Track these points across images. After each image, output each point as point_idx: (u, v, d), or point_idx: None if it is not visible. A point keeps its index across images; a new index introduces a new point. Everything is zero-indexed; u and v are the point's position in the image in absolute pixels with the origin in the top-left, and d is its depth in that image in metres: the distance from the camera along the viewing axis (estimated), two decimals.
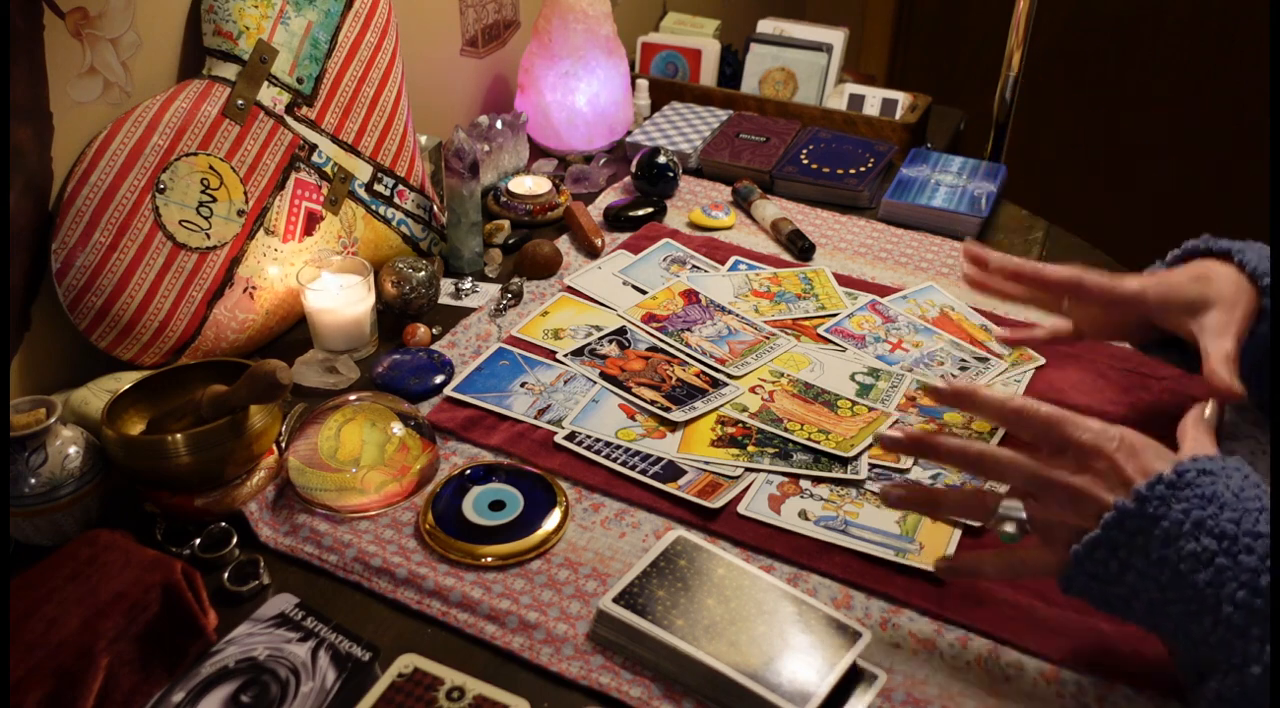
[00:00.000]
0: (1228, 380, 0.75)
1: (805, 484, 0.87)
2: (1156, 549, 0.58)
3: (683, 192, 1.39)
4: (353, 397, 0.90)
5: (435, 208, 1.19)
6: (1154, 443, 0.64)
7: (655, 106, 1.64)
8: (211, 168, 0.96)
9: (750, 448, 0.91)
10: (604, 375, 1.00)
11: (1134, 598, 0.61)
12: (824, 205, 1.36)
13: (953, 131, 2.04)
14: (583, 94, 1.40)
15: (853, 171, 1.39)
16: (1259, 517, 0.57)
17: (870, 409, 0.96)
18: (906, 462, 0.89)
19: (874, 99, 1.60)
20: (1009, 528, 0.68)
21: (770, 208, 1.31)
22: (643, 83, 1.60)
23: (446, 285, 1.16)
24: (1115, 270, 1.21)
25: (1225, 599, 0.55)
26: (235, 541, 0.80)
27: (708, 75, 1.68)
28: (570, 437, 0.92)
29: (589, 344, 1.04)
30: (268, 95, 1.01)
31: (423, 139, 1.23)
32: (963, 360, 1.03)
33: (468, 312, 1.12)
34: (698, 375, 1.00)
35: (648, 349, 1.04)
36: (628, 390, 0.98)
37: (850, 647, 0.70)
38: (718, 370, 1.01)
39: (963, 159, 1.42)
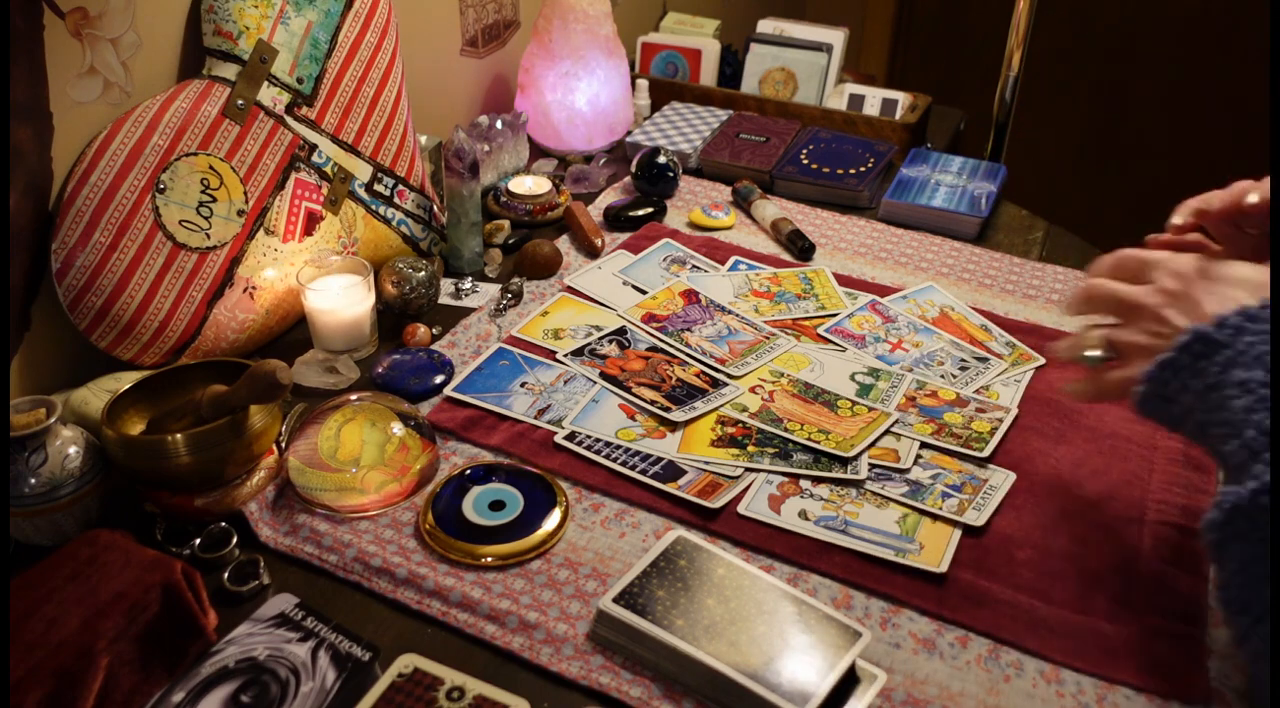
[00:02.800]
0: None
1: (805, 484, 0.87)
2: (1214, 374, 0.64)
3: (683, 192, 1.39)
4: (353, 397, 0.90)
5: (435, 208, 1.19)
6: (1236, 273, 0.69)
7: (655, 106, 1.64)
8: (211, 168, 0.96)
9: (750, 448, 0.91)
10: (604, 375, 1.00)
11: (1186, 417, 0.67)
12: (824, 205, 1.36)
13: (953, 131, 2.04)
14: (583, 94, 1.40)
15: (853, 172, 1.39)
16: None
17: (870, 409, 0.96)
18: (907, 461, 0.89)
19: (874, 99, 1.60)
20: (1095, 352, 0.75)
21: (770, 208, 1.31)
22: (643, 83, 1.60)
23: (446, 285, 1.16)
24: None
25: (1250, 425, 0.61)
26: (235, 541, 0.80)
27: (708, 75, 1.68)
28: (570, 437, 0.92)
29: (589, 344, 1.04)
30: (268, 95, 1.01)
31: (423, 139, 1.23)
32: (963, 360, 1.03)
33: (468, 312, 1.12)
34: (698, 375, 1.00)
35: (648, 349, 1.04)
36: (628, 390, 0.98)
37: (850, 647, 0.70)
38: (718, 370, 1.01)
39: (963, 159, 1.42)
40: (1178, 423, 0.69)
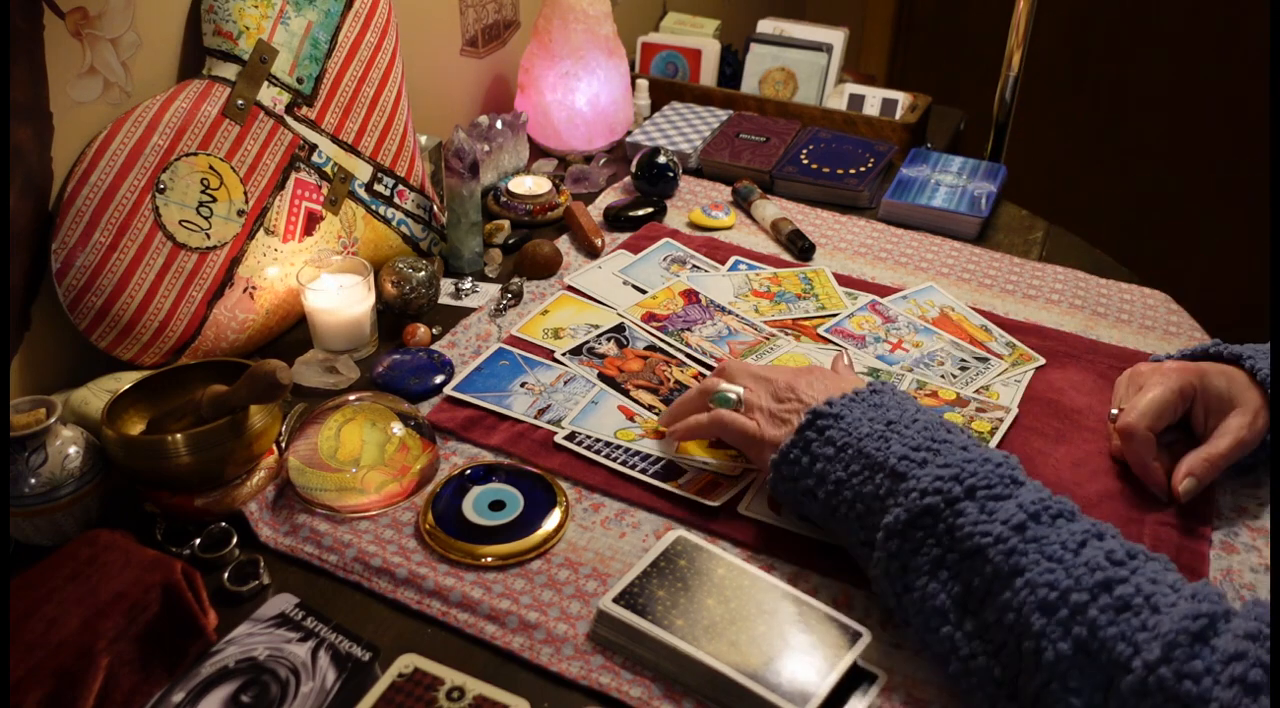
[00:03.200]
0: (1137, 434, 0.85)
1: None
2: (840, 437, 0.75)
3: (683, 192, 1.39)
4: (353, 397, 0.90)
5: (435, 208, 1.19)
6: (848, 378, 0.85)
7: (655, 106, 1.64)
8: (211, 168, 0.96)
9: None
10: (602, 377, 1.00)
11: (819, 483, 0.76)
12: (824, 205, 1.36)
13: (953, 131, 2.04)
14: (583, 94, 1.40)
15: (853, 172, 1.39)
16: (915, 412, 0.76)
17: None
18: None
19: (874, 99, 1.60)
20: (730, 394, 0.85)
21: (770, 208, 1.31)
22: (643, 83, 1.60)
23: (446, 285, 1.16)
24: (1115, 270, 1.22)
25: (890, 455, 0.72)
26: (235, 541, 0.80)
27: (708, 75, 1.68)
28: (570, 437, 0.92)
29: (587, 343, 1.04)
30: (268, 95, 1.01)
31: (423, 139, 1.23)
32: (963, 360, 1.03)
33: (468, 312, 1.12)
34: (696, 377, 1.00)
35: (646, 348, 1.04)
36: (625, 393, 0.98)
37: (850, 647, 0.70)
38: None
39: (963, 159, 1.42)
40: (810, 496, 0.76)
